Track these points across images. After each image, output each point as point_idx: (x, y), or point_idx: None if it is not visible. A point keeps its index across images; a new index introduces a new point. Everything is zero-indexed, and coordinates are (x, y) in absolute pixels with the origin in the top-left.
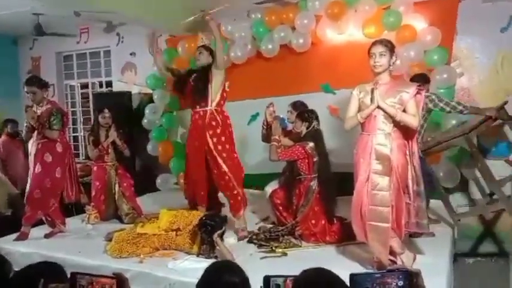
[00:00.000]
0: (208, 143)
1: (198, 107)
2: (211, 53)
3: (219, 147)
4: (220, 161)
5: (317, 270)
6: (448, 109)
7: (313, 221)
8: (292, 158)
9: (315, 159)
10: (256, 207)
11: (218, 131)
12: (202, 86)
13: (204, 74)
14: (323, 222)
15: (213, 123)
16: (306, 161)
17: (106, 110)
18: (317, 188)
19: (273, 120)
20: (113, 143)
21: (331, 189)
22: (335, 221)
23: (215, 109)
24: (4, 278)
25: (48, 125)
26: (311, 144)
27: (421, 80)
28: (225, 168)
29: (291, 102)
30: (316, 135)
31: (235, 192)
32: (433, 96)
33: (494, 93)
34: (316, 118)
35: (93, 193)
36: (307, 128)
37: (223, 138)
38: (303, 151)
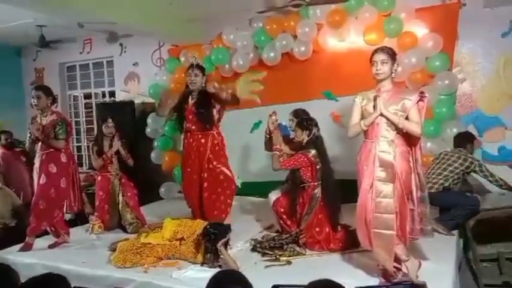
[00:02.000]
0: (211, 161)
1: (199, 130)
2: (204, 71)
3: (222, 159)
4: (224, 169)
5: (325, 282)
6: (490, 179)
7: (317, 229)
8: (295, 167)
9: (318, 167)
10: (259, 216)
11: (219, 151)
12: (206, 111)
13: (204, 98)
14: (327, 229)
15: (214, 144)
16: (309, 168)
17: (109, 120)
18: (321, 196)
19: (275, 128)
20: (117, 152)
21: (335, 196)
22: (339, 229)
23: (216, 132)
24: None
25: (54, 135)
26: (313, 151)
27: (466, 139)
28: (227, 173)
29: (292, 110)
30: (317, 143)
31: (228, 201)
32: (482, 163)
33: (496, 98)
34: (316, 125)
35: (97, 203)
36: (308, 136)
37: (222, 160)
38: (305, 159)
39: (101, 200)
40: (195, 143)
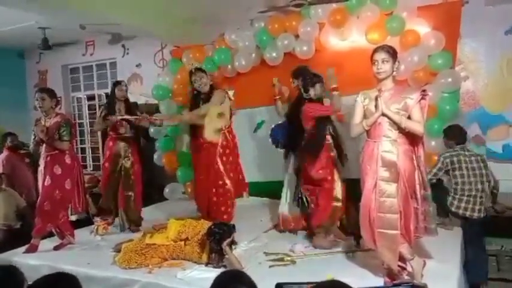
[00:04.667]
0: (217, 162)
1: None
2: (205, 71)
3: (227, 166)
4: (224, 177)
5: (332, 282)
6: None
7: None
8: (323, 114)
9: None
10: (264, 215)
11: (227, 151)
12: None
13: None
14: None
15: (224, 143)
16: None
17: (123, 83)
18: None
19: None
20: (126, 120)
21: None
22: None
23: (227, 130)
24: None
25: (58, 137)
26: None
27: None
28: (225, 179)
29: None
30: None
31: (224, 208)
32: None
33: (499, 96)
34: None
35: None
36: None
37: (231, 158)
38: (332, 108)
39: (105, 159)
40: (205, 144)
